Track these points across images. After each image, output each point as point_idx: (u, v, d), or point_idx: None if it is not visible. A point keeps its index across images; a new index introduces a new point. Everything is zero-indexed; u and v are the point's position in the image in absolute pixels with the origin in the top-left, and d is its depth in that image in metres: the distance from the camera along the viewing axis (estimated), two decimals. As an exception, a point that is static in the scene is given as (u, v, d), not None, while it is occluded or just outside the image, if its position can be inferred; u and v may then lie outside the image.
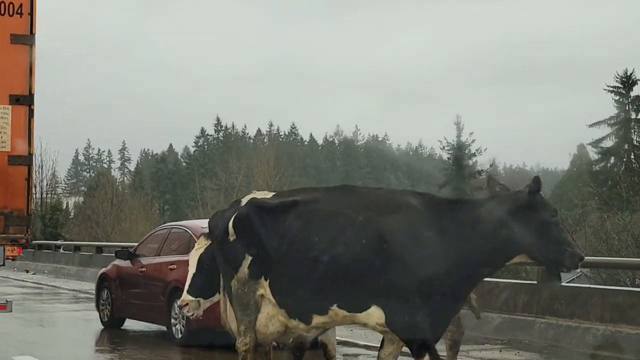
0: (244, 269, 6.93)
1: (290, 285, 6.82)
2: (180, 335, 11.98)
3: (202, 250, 7.60)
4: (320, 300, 6.74)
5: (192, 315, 7.69)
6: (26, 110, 11.01)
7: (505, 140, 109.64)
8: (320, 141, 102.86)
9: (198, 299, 7.53)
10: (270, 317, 6.98)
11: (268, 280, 6.91)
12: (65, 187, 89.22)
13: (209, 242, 7.51)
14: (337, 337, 13.07)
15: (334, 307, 6.72)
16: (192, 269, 7.64)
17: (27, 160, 11.10)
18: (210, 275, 7.49)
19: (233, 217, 7.06)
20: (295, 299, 6.85)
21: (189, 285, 7.58)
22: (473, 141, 44.11)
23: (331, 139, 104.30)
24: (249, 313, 6.98)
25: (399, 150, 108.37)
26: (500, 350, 11.79)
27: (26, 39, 11.00)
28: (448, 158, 46.04)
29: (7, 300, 11.72)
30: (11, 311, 11.66)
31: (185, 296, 7.55)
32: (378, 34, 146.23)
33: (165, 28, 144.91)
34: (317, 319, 6.84)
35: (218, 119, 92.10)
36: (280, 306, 6.91)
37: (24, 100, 10.99)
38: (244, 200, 7.29)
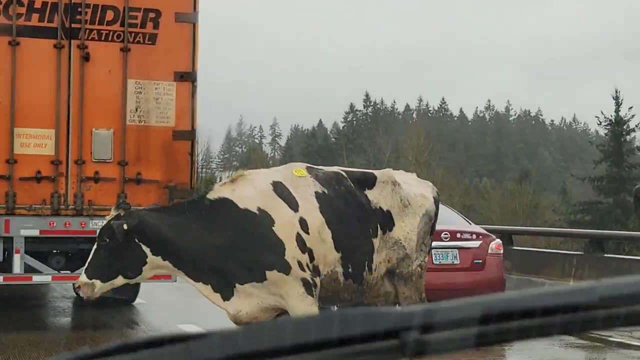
0: None
1: None
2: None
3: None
4: None
5: (86, 298, 6.63)
6: (190, 87, 11.38)
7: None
8: (470, 116, 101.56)
9: (93, 281, 6.45)
10: None
11: None
12: (219, 162, 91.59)
13: (116, 213, 6.47)
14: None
15: None
16: (95, 245, 6.60)
17: (190, 135, 11.47)
18: (109, 255, 6.48)
19: None
20: None
21: (88, 263, 6.59)
22: (633, 116, 42.44)
23: (482, 114, 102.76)
24: None
25: (553, 126, 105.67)
26: None
27: (190, 17, 11.34)
28: (605, 134, 44.57)
29: (172, 271, 12.17)
30: (175, 281, 12.10)
31: (81, 277, 6.53)
32: (529, 5, 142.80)
33: (315, 3, 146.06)
34: None
35: (367, 95, 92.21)
36: None
37: (188, 77, 11.35)
38: None
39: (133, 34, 11.15)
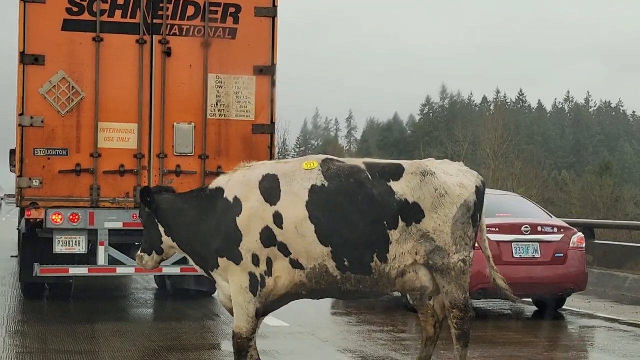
0: None
1: None
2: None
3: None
4: None
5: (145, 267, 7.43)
6: (269, 81, 11.47)
7: None
8: (549, 108, 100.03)
9: (142, 254, 7.37)
10: None
11: None
12: (295, 154, 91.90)
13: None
14: (575, 309, 12.89)
15: None
16: None
17: (269, 129, 11.56)
18: (145, 233, 7.40)
19: None
20: None
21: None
22: None
23: (561, 106, 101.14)
24: None
25: (634, 117, 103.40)
26: None
27: (269, 12, 11.43)
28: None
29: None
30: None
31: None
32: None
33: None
34: None
35: (444, 87, 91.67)
36: None
37: (267, 71, 11.44)
38: None
39: (214, 29, 11.28)
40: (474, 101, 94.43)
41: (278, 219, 6.77)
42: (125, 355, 8.93)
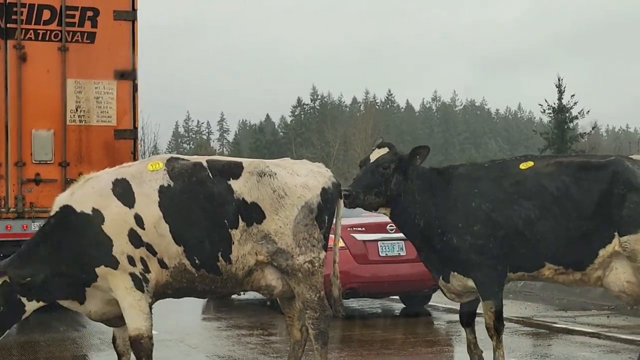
0: None
1: None
2: (284, 304, 12.11)
3: None
4: None
5: None
6: (130, 85, 11.32)
7: (609, 102, 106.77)
8: (417, 108, 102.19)
9: None
10: None
11: None
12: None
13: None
14: (441, 305, 13.17)
15: None
16: None
17: (132, 134, 11.41)
18: None
19: None
20: None
21: None
22: (575, 104, 42.82)
23: (428, 105, 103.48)
24: None
25: (498, 115, 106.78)
26: (608, 317, 11.57)
27: (128, 15, 11.29)
28: (549, 122, 44.97)
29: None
30: None
31: None
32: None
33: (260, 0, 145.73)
34: None
35: (314, 88, 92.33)
36: None
37: (128, 76, 11.28)
38: None
39: (71, 33, 11.06)
40: (344, 102, 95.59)
41: (139, 220, 6.69)
42: (-17, 371, 8.64)
